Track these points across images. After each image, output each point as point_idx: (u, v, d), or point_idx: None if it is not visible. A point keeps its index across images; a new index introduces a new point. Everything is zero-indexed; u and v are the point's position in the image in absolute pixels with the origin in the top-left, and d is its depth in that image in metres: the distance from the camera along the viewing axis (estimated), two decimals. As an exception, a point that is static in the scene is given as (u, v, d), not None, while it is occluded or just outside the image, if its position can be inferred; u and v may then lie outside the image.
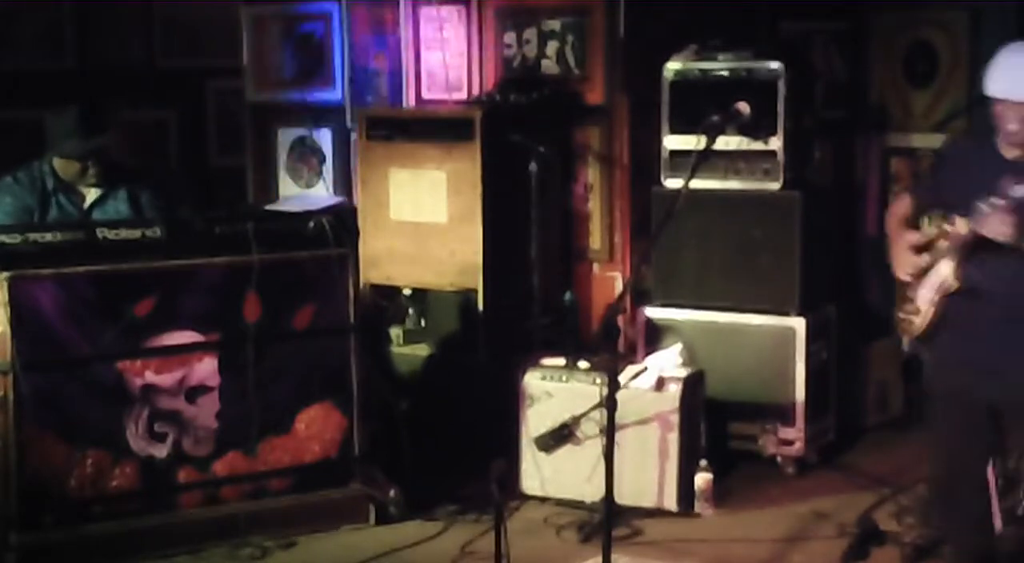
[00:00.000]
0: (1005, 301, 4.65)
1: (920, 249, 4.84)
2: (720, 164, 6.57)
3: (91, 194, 6.06)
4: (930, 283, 4.79)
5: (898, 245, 4.92)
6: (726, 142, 6.40)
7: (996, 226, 4.55)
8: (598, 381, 6.07)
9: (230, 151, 8.85)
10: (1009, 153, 4.73)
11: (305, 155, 8.48)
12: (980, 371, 4.72)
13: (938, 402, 4.96)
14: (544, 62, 7.54)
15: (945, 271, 4.73)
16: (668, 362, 6.35)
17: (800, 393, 6.55)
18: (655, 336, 6.82)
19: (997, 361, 4.68)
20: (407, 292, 7.41)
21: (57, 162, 6.02)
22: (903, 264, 4.88)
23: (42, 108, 6.22)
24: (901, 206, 5.10)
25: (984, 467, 4.91)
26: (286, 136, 8.54)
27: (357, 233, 6.18)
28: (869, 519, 5.78)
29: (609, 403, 4.92)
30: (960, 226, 4.68)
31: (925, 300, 4.81)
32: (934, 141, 7.39)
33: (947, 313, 4.76)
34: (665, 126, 6.90)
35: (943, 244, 4.77)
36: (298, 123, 8.46)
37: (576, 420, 6.21)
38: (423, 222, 7.19)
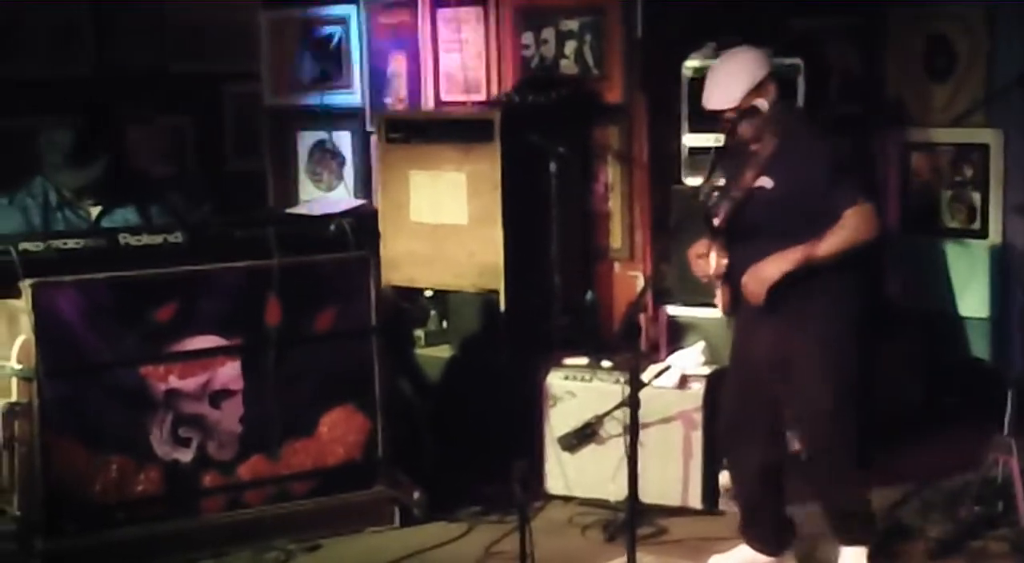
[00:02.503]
0: (736, 281, 5.23)
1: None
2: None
3: (95, 209, 6.09)
4: (712, 272, 5.31)
5: (689, 253, 5.38)
6: (745, 139, 6.40)
7: (752, 296, 5.20)
8: (621, 380, 6.08)
9: (247, 155, 8.87)
10: (753, 146, 5.25)
11: (325, 158, 8.50)
12: (752, 333, 5.33)
13: (730, 365, 5.58)
14: (562, 62, 7.54)
15: (712, 261, 5.27)
16: (691, 360, 6.35)
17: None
18: (677, 334, 6.82)
19: (766, 320, 5.23)
20: (428, 294, 7.41)
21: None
22: (695, 271, 5.38)
23: (56, 115, 6.24)
24: None
25: (755, 416, 5.39)
26: (305, 140, 8.56)
27: (377, 235, 6.19)
28: (894, 515, 5.77)
29: (632, 402, 4.93)
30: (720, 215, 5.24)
31: (717, 285, 5.34)
32: (954, 136, 7.38)
33: (735, 296, 5.29)
34: (684, 124, 6.90)
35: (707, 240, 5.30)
36: (317, 126, 8.48)
37: (599, 419, 6.21)
38: (443, 224, 7.19)
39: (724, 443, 5.68)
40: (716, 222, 5.20)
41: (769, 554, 5.52)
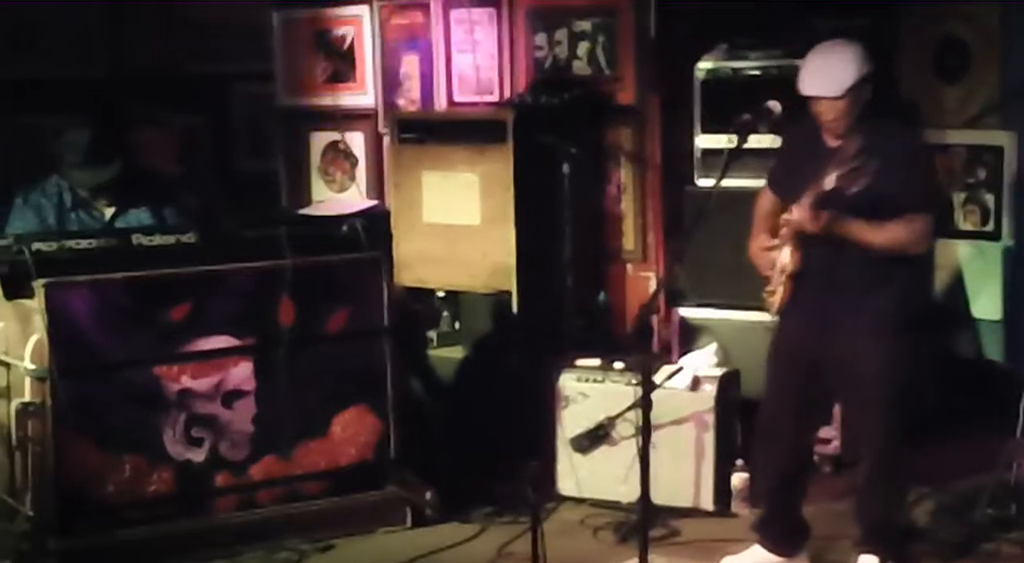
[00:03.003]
0: (840, 276, 5.20)
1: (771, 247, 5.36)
2: (752, 162, 6.52)
3: (109, 209, 6.10)
4: (778, 267, 5.30)
5: (753, 246, 5.42)
6: (758, 140, 6.34)
7: (803, 221, 5.10)
8: (633, 381, 6.07)
9: (259, 156, 8.87)
10: (832, 142, 5.20)
11: (337, 159, 8.50)
12: (814, 336, 5.27)
13: (770, 362, 5.48)
14: (575, 63, 7.54)
15: (784, 257, 5.25)
16: (703, 362, 6.34)
17: (836, 391, 6.54)
18: (689, 336, 6.82)
19: (832, 326, 5.23)
20: (440, 294, 7.42)
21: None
22: (760, 264, 5.40)
23: (70, 115, 6.25)
24: (764, 202, 5.51)
25: (793, 426, 5.44)
26: (318, 140, 8.57)
27: (390, 236, 6.20)
28: (901, 516, 5.76)
29: (644, 403, 4.93)
30: (794, 215, 5.17)
31: (776, 282, 5.32)
32: (967, 137, 7.36)
33: (796, 292, 5.28)
34: (697, 125, 6.90)
35: (783, 231, 5.26)
36: (330, 127, 8.49)
37: (611, 421, 6.21)
38: (456, 224, 7.19)
39: (756, 444, 5.62)
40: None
41: (783, 555, 5.52)
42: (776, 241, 5.30)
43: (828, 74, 5.14)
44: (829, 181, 5.00)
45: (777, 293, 5.32)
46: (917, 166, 5.18)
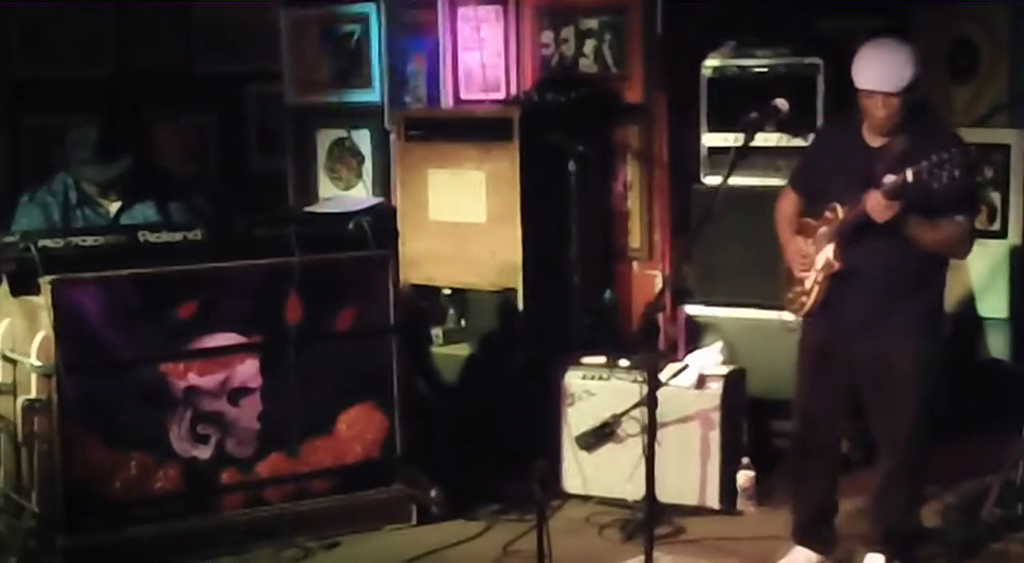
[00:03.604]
0: (882, 276, 5.17)
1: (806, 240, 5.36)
2: (759, 161, 6.55)
3: (115, 205, 6.10)
4: (816, 266, 5.28)
5: (790, 248, 5.41)
6: (765, 139, 6.38)
7: (876, 209, 5.02)
8: (639, 379, 6.06)
9: (270, 155, 8.88)
10: (874, 141, 5.20)
11: (344, 157, 8.50)
12: (851, 333, 5.25)
13: (805, 363, 5.44)
14: (582, 61, 7.53)
15: (827, 254, 5.22)
16: (709, 360, 6.35)
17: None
18: (696, 334, 6.82)
19: (870, 325, 5.20)
20: (447, 292, 7.42)
21: (79, 180, 6.07)
22: (796, 263, 5.38)
23: (81, 115, 6.25)
24: (788, 203, 5.51)
25: (836, 424, 5.52)
26: (325, 138, 8.57)
27: (396, 234, 6.21)
28: (914, 518, 5.75)
29: (650, 401, 4.93)
30: (839, 213, 5.17)
31: (811, 281, 5.31)
32: (975, 136, 7.34)
33: (830, 290, 5.27)
34: (704, 124, 6.90)
35: (824, 230, 5.24)
36: (337, 125, 8.49)
37: (617, 418, 6.21)
38: (462, 222, 7.19)
39: (798, 445, 5.57)
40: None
41: (827, 554, 5.53)
42: (810, 240, 5.30)
43: (887, 69, 5.10)
44: (910, 173, 4.92)
45: (812, 293, 5.31)
46: (964, 166, 5.08)
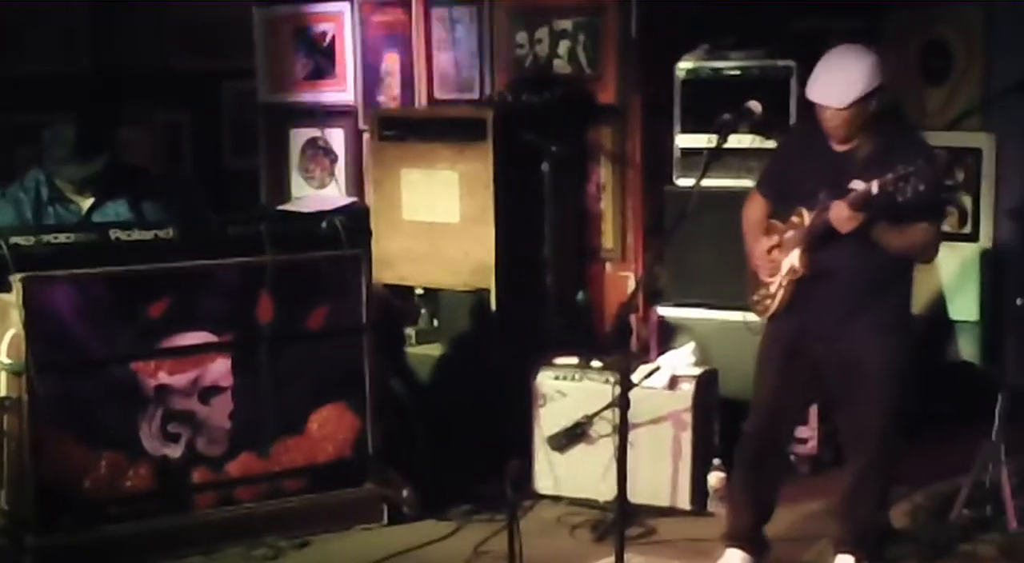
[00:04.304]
0: (848, 278, 5.18)
1: (772, 248, 5.36)
2: (732, 162, 6.56)
3: (87, 202, 6.08)
4: (781, 271, 5.29)
5: (756, 251, 5.40)
6: (738, 140, 6.40)
7: (839, 220, 5.05)
8: (611, 380, 6.08)
9: (245, 153, 8.86)
10: (839, 146, 5.21)
11: (317, 156, 8.49)
12: (819, 334, 5.26)
13: (768, 364, 5.43)
14: (556, 62, 7.53)
15: (793, 259, 5.23)
16: (681, 361, 6.35)
17: (813, 391, 6.55)
18: (668, 335, 6.82)
19: (838, 326, 5.21)
20: (419, 292, 7.41)
21: (55, 177, 6.05)
22: (762, 268, 5.38)
23: (57, 112, 6.22)
24: (755, 208, 5.50)
25: (793, 427, 5.70)
26: (298, 137, 8.56)
27: (370, 233, 6.19)
28: (883, 517, 5.77)
29: (622, 402, 4.93)
30: (805, 218, 5.19)
31: (777, 284, 5.32)
32: (947, 139, 7.37)
33: (796, 293, 5.28)
34: (677, 125, 6.92)
35: (790, 234, 5.26)
36: (310, 124, 8.47)
37: (589, 419, 6.21)
38: (436, 222, 7.19)
39: (750, 447, 5.52)
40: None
41: (760, 557, 5.54)
42: (775, 241, 5.32)
43: (835, 84, 5.11)
44: (875, 185, 4.93)
45: (777, 297, 5.32)
46: (929, 181, 5.07)
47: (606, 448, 6.04)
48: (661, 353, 6.60)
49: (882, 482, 5.40)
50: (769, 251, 5.34)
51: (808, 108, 5.29)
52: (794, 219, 5.24)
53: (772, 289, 5.33)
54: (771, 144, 6.51)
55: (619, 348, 5.53)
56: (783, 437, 5.57)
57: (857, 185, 5.00)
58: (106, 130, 6.36)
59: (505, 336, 7.00)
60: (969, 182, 7.40)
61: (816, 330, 5.26)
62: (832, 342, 5.24)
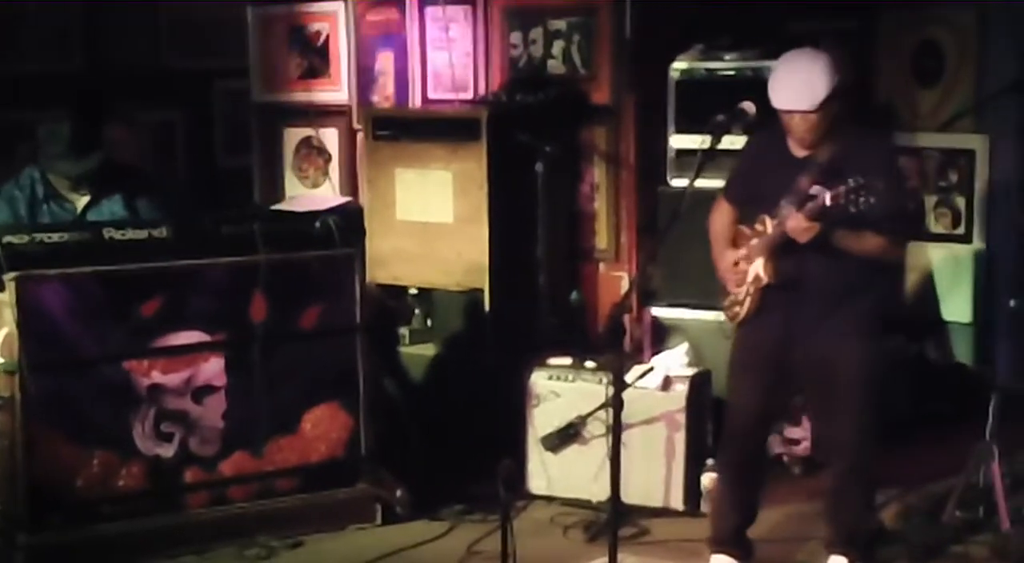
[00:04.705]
0: (816, 283, 5.17)
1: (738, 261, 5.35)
2: (726, 163, 6.51)
3: (82, 200, 6.08)
4: (747, 279, 5.28)
5: (722, 264, 5.39)
6: (732, 141, 6.34)
7: (796, 230, 5.05)
8: (604, 380, 6.08)
9: (237, 152, 8.85)
10: (799, 152, 5.20)
11: (311, 155, 8.48)
12: (791, 339, 5.25)
13: (741, 369, 5.42)
14: (550, 62, 7.53)
15: (758, 268, 5.22)
16: (675, 362, 6.35)
17: (806, 392, 6.55)
18: (661, 336, 6.83)
19: (810, 330, 5.21)
20: (413, 292, 7.41)
21: (50, 174, 6.04)
22: (729, 280, 5.37)
23: (50, 110, 6.22)
24: (721, 215, 5.50)
25: (769, 431, 5.70)
26: (292, 136, 8.55)
27: (363, 233, 6.19)
28: (876, 518, 5.78)
29: (615, 402, 4.93)
30: (768, 226, 5.18)
31: (744, 292, 5.31)
32: (940, 141, 7.39)
33: (763, 300, 5.26)
34: (671, 126, 6.92)
35: (755, 242, 5.25)
36: (304, 123, 8.47)
37: (583, 420, 6.22)
38: (429, 222, 7.19)
39: (731, 452, 5.54)
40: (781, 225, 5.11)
41: (745, 560, 5.54)
42: (742, 252, 5.31)
43: (800, 87, 5.10)
44: (828, 197, 4.93)
45: (745, 304, 5.32)
46: (893, 177, 5.14)
47: (599, 448, 6.05)
48: (655, 353, 6.61)
49: (863, 484, 5.41)
50: (736, 264, 5.32)
51: (771, 116, 5.26)
52: (758, 227, 5.24)
53: (740, 297, 5.33)
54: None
55: (612, 348, 5.54)
56: (764, 440, 5.58)
57: (818, 191, 4.99)
58: (100, 128, 6.33)
59: (498, 336, 7.00)
60: (962, 184, 7.40)
61: (790, 335, 5.26)
62: (806, 346, 5.24)
